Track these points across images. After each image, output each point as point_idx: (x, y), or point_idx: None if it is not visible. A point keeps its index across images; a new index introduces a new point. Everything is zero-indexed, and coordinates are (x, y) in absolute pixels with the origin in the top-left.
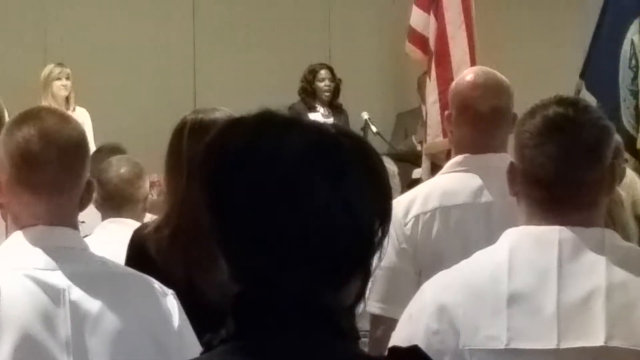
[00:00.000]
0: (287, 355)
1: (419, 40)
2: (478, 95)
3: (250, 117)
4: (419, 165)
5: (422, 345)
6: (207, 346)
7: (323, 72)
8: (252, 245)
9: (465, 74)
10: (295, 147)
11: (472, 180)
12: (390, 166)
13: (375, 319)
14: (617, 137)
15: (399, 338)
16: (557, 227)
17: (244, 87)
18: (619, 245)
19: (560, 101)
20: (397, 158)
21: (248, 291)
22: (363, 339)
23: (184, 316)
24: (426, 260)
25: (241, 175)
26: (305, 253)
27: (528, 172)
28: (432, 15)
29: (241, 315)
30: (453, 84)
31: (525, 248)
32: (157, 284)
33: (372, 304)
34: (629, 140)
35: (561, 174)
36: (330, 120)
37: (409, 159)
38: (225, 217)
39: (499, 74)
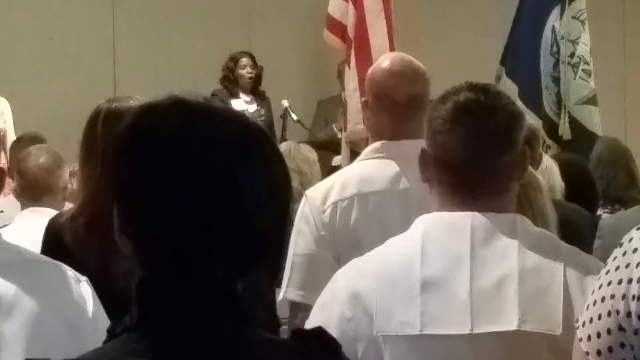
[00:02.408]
0: (191, 342)
1: (338, 28)
2: (394, 83)
3: (166, 104)
4: (339, 152)
5: (335, 332)
6: (110, 334)
7: (244, 60)
8: (172, 231)
9: (381, 61)
10: (226, 134)
11: (390, 167)
12: (311, 154)
13: (295, 306)
14: (532, 124)
15: (313, 325)
16: (469, 213)
17: (165, 75)
18: (531, 231)
19: (471, 87)
20: (318, 145)
21: (152, 278)
22: (283, 327)
23: (99, 303)
24: (345, 247)
25: (168, 161)
26: (229, 239)
27: (439, 157)
28: (350, 3)
29: (146, 302)
30: (369, 71)
31: (438, 234)
32: (70, 271)
33: (291, 291)
34: (551, 127)
35: (472, 160)
36: (254, 106)
37: (329, 147)
38: (147, 202)
39: (415, 61)
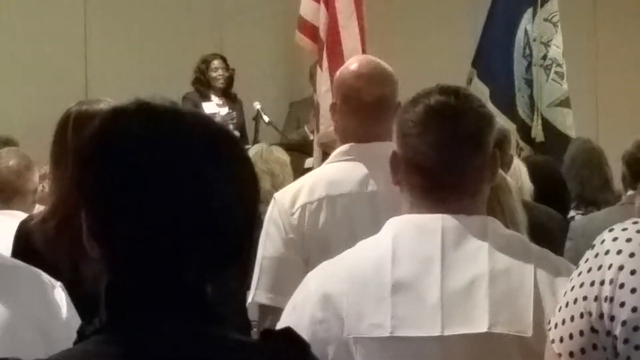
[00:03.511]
0: (160, 344)
1: (309, 30)
2: (362, 85)
3: (132, 109)
4: (311, 154)
5: (306, 335)
6: (80, 336)
7: (216, 62)
8: (141, 235)
9: (350, 63)
10: (192, 138)
11: (358, 169)
12: (283, 155)
13: (264, 309)
14: (503, 126)
15: None
16: (439, 215)
17: (137, 77)
18: (501, 233)
19: (442, 90)
20: (290, 147)
21: (121, 280)
22: (253, 330)
23: (73, 308)
24: (313, 250)
25: (135, 166)
26: (198, 242)
27: (410, 160)
28: (322, 5)
29: (115, 304)
30: (337, 73)
31: (409, 236)
32: (45, 276)
33: (260, 294)
34: (524, 129)
35: (443, 162)
36: (225, 109)
37: (301, 149)
38: (115, 207)
39: (382, 63)
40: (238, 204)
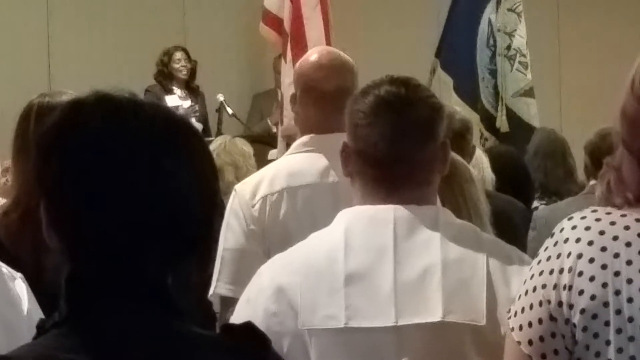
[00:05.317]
0: (120, 338)
1: (274, 22)
2: (322, 75)
3: (91, 100)
4: (274, 146)
5: (261, 327)
6: (39, 330)
7: (178, 54)
8: (100, 227)
9: (309, 55)
10: (151, 129)
11: (319, 160)
12: (246, 147)
13: (225, 301)
14: (464, 116)
15: (238, 321)
16: (391, 206)
17: (100, 70)
18: (453, 223)
19: (392, 80)
20: (253, 139)
21: (81, 273)
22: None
23: (34, 299)
24: (274, 241)
25: (94, 157)
26: (157, 233)
27: (361, 151)
28: None
29: (75, 297)
30: (297, 64)
31: (361, 227)
32: (4, 268)
33: (221, 285)
34: (489, 119)
35: (394, 153)
36: (188, 102)
37: (264, 140)
38: (74, 199)
39: (343, 54)
40: (197, 195)
